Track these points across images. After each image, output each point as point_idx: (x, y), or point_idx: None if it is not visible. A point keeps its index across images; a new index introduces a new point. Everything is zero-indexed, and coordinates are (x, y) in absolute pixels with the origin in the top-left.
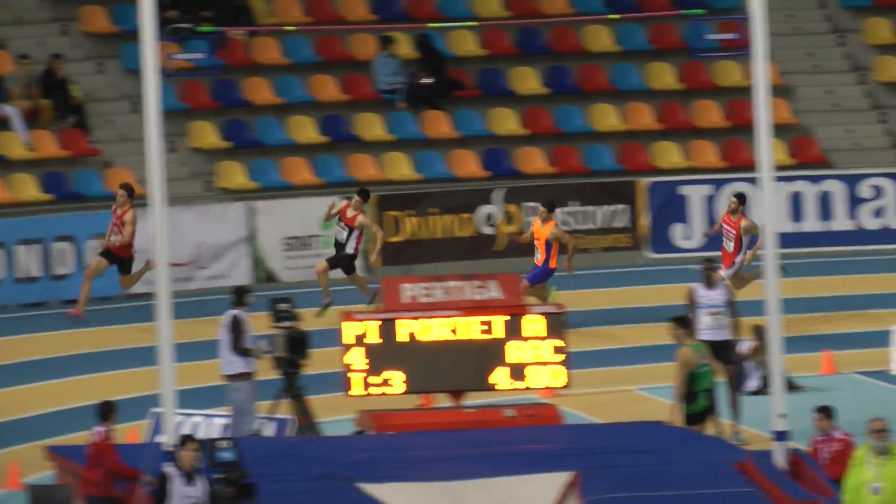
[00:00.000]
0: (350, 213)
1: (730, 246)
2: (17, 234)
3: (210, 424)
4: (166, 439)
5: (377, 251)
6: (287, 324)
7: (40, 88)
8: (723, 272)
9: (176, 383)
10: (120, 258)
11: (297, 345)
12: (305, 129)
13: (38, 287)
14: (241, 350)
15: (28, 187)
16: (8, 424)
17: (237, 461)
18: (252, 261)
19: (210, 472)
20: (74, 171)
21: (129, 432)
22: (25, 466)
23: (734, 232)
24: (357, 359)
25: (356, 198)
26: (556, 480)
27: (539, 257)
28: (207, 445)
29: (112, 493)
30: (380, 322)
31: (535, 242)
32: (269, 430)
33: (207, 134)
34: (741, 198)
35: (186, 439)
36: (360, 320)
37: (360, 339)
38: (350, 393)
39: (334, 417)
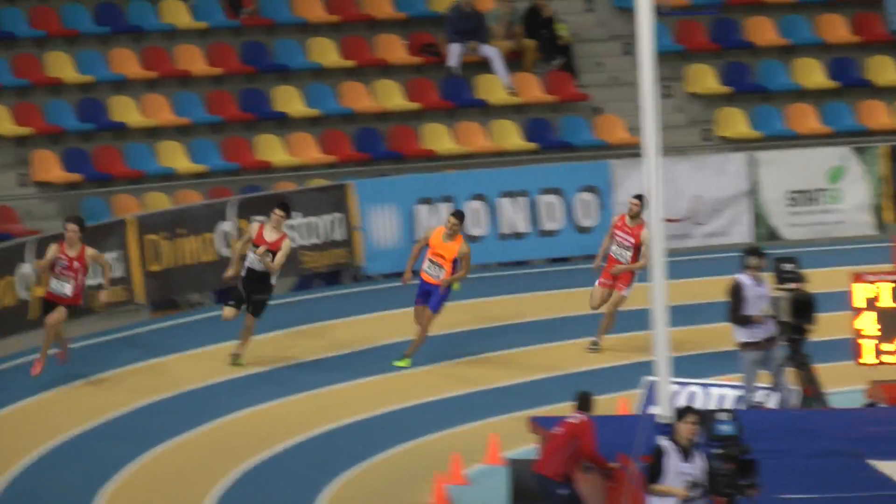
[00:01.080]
0: (272, 235)
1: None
2: (499, 186)
3: (707, 395)
4: (661, 410)
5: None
6: (792, 286)
7: (524, 28)
8: None
9: (671, 349)
10: (69, 307)
11: (803, 308)
12: (812, 73)
13: (523, 244)
14: (738, 319)
15: (510, 135)
16: (490, 392)
17: (737, 435)
18: (753, 216)
19: (708, 447)
20: (561, 118)
21: (619, 402)
22: (507, 439)
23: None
24: (868, 324)
25: (278, 212)
26: None
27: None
28: (706, 418)
29: (566, 475)
30: (894, 284)
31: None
32: (772, 402)
33: (706, 78)
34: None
35: (685, 411)
36: (872, 282)
37: (871, 303)
38: (860, 361)
39: (843, 388)
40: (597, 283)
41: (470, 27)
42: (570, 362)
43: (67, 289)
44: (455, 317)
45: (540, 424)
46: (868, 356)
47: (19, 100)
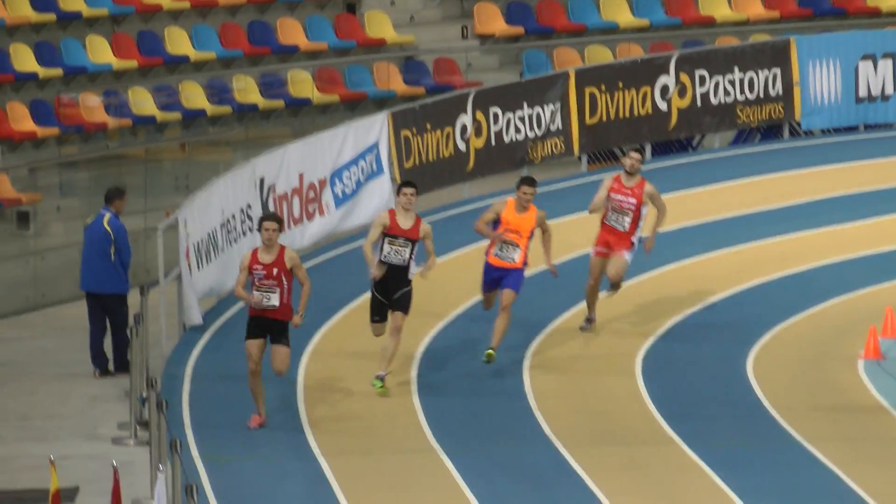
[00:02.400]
0: (407, 221)
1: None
2: None
3: None
4: None
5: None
6: None
7: None
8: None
9: None
10: (278, 323)
11: None
12: None
13: None
14: None
15: None
16: None
17: None
18: None
19: None
20: None
21: None
22: None
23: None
24: None
25: (407, 191)
26: None
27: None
28: None
29: None
30: None
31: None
32: None
33: None
34: None
35: None
36: None
37: None
38: None
39: None
40: (592, 252)
41: None
42: None
43: (274, 299)
44: (874, 173)
45: None
46: None
47: None
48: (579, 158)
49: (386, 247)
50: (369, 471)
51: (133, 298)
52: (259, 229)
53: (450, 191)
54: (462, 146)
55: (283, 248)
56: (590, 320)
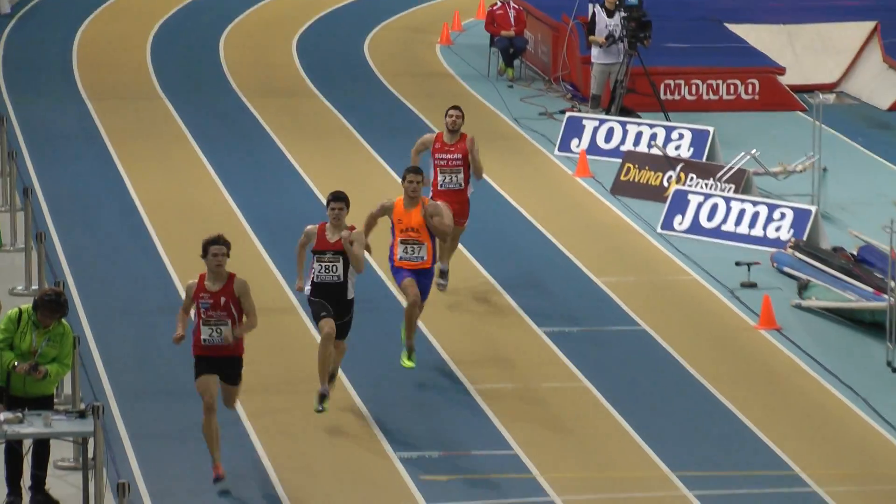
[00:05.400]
0: (335, 235)
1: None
2: None
3: None
4: None
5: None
6: None
7: None
8: None
9: None
10: (230, 359)
11: None
12: None
13: None
14: None
15: None
16: None
17: (638, 5)
18: None
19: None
20: None
21: None
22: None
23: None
24: None
25: (334, 206)
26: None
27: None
28: None
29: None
30: None
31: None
32: None
33: None
34: None
35: None
36: None
37: None
38: None
39: None
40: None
41: None
42: None
43: (226, 332)
44: None
45: None
46: None
47: None
48: None
49: (316, 265)
50: None
51: None
52: (205, 255)
53: None
54: None
55: (232, 275)
56: (443, 272)
